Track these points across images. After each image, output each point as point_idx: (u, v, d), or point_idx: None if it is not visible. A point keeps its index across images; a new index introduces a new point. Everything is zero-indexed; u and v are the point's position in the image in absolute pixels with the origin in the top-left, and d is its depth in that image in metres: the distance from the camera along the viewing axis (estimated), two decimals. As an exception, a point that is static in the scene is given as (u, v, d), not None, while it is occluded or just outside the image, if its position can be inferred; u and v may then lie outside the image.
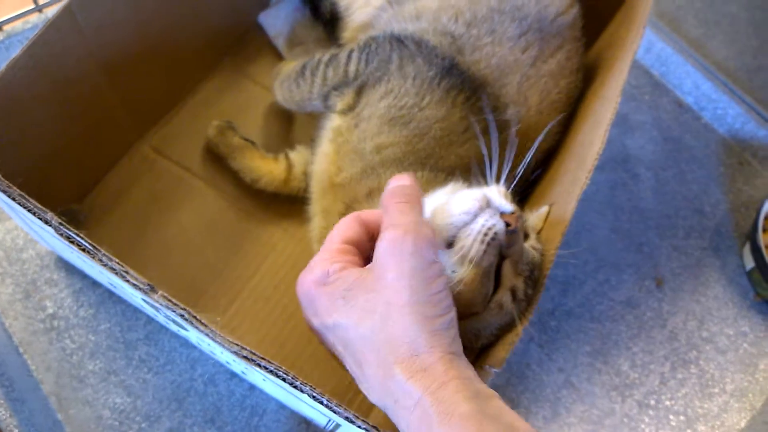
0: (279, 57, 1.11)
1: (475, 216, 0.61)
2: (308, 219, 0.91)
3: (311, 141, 0.96)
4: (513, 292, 0.64)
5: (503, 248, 0.62)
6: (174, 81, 1.02)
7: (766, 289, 1.02)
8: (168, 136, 1.01)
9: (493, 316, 0.65)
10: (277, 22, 1.11)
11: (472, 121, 0.83)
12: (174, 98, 1.03)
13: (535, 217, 0.79)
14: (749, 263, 1.06)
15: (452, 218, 0.61)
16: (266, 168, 0.97)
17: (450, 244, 0.61)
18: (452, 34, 0.88)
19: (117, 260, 0.64)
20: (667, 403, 0.98)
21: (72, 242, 0.65)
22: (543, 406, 0.95)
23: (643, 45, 1.21)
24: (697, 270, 1.07)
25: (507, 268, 0.64)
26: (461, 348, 0.56)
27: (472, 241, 0.59)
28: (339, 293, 0.56)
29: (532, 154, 0.76)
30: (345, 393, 0.88)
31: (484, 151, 0.73)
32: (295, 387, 0.57)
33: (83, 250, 0.65)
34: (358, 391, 0.85)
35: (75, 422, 0.83)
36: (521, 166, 0.74)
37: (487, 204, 0.62)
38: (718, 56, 1.22)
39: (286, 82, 0.94)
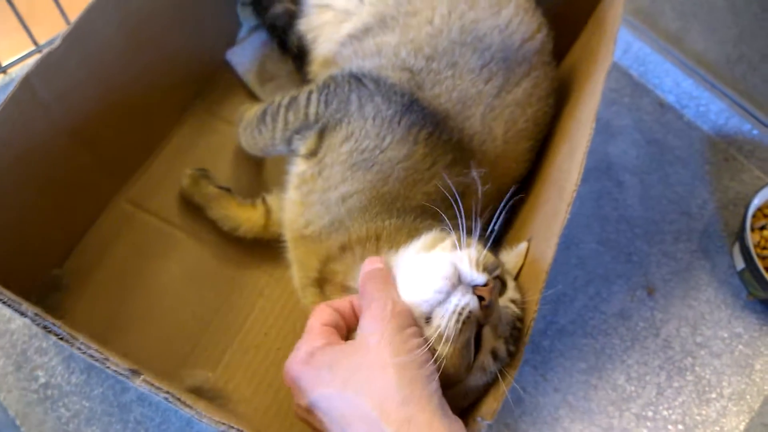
0: (250, 95, 1.10)
1: (448, 295, 0.62)
2: (288, 265, 0.90)
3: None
4: (494, 353, 0.65)
5: (481, 320, 0.63)
6: (145, 131, 1.01)
7: (758, 288, 1.01)
8: (144, 188, 1.01)
9: (476, 380, 0.65)
10: (244, 59, 1.09)
11: (437, 157, 0.82)
12: (147, 149, 1.03)
13: (513, 255, 0.79)
14: (740, 263, 1.05)
15: (425, 297, 0.63)
16: (244, 216, 0.96)
17: (428, 319, 0.63)
18: (411, 69, 0.87)
19: (96, 347, 0.64)
20: (665, 413, 0.98)
21: (49, 332, 0.65)
22: (541, 429, 0.95)
23: (620, 46, 1.19)
24: (688, 274, 1.07)
25: (487, 332, 0.64)
26: (446, 404, 0.59)
27: (446, 321, 0.60)
28: (325, 366, 0.60)
29: (500, 219, 0.75)
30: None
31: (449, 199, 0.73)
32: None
33: (61, 339, 0.65)
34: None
35: (76, 491, 0.84)
36: (492, 223, 0.74)
37: (459, 280, 0.62)
38: (698, 49, 1.20)
39: (249, 129, 0.93)
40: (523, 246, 0.80)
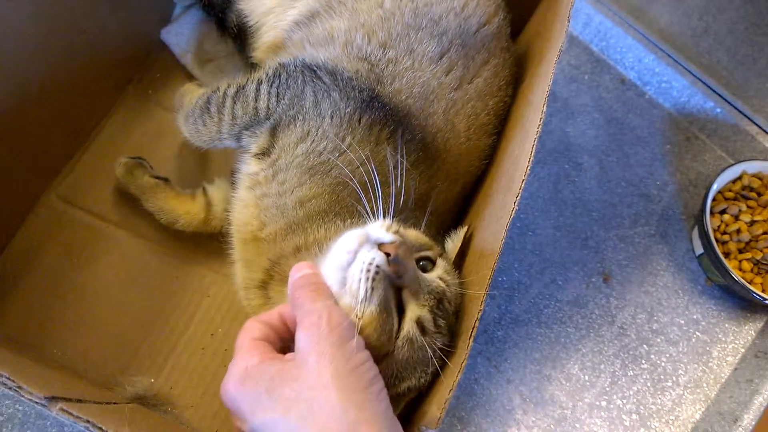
0: (190, 77, 1.03)
1: (356, 253, 0.61)
2: (232, 263, 0.86)
3: (231, 174, 0.91)
4: (420, 324, 0.62)
5: (394, 279, 0.61)
6: (73, 121, 0.95)
7: (717, 274, 1.00)
8: (76, 183, 0.95)
9: (405, 354, 0.62)
10: (181, 38, 1.02)
11: (400, 158, 0.78)
12: (77, 140, 0.96)
13: (454, 238, 0.76)
14: (699, 248, 1.03)
15: (337, 260, 0.61)
16: (182, 208, 0.91)
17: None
18: (368, 58, 0.81)
19: (7, 374, 0.61)
20: (619, 402, 0.97)
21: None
22: (494, 421, 0.94)
23: (580, 20, 1.13)
24: (645, 259, 1.04)
25: (407, 298, 0.62)
26: (398, 423, 0.56)
27: (357, 280, 0.59)
28: (261, 387, 0.55)
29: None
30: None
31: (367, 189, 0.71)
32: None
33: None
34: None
35: (12, 503, 0.81)
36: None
37: (367, 239, 0.61)
38: (662, 22, 1.14)
39: (191, 118, 0.86)
40: (461, 231, 0.78)
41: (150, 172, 0.93)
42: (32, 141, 0.89)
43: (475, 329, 0.65)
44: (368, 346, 0.58)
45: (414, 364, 0.64)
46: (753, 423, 0.95)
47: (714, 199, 1.02)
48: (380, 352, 0.61)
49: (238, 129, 0.81)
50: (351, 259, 0.61)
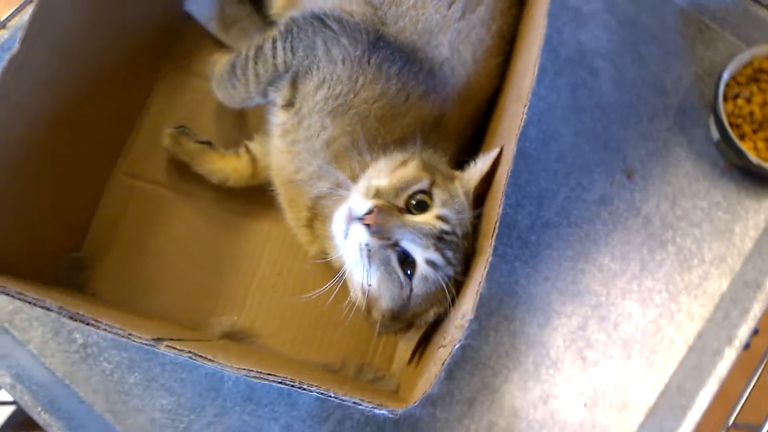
0: (218, 43, 1.10)
1: (346, 233, 0.74)
2: (282, 208, 0.96)
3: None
4: (430, 263, 0.73)
5: (385, 243, 0.72)
6: (123, 104, 1.04)
7: (734, 157, 1.05)
8: (136, 158, 1.05)
9: (423, 289, 0.75)
10: (203, 7, 1.08)
11: (410, 90, 0.85)
12: (130, 120, 1.06)
13: (480, 162, 0.81)
14: (715, 134, 1.08)
15: (335, 239, 0.76)
16: (230, 168, 1.00)
17: None
18: (371, 2, 0.87)
19: (119, 327, 0.71)
20: (649, 284, 1.06)
21: (76, 320, 0.73)
22: (536, 315, 1.05)
23: None
24: (665, 152, 1.10)
25: (409, 246, 0.73)
26: None
27: (356, 260, 0.74)
28: None
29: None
30: (365, 350, 1.00)
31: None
32: (303, 389, 0.68)
33: (88, 324, 0.73)
34: (377, 347, 0.99)
35: (133, 430, 0.96)
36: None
37: (349, 216, 0.73)
38: None
39: (222, 84, 0.95)
40: (493, 152, 0.80)
41: (194, 138, 1.02)
42: (93, 133, 0.98)
43: (495, 229, 0.70)
44: (385, 299, 0.75)
45: (434, 295, 0.77)
46: (775, 287, 1.03)
47: (727, 86, 1.06)
48: (402, 297, 0.75)
49: (263, 86, 0.90)
50: (343, 238, 0.75)
